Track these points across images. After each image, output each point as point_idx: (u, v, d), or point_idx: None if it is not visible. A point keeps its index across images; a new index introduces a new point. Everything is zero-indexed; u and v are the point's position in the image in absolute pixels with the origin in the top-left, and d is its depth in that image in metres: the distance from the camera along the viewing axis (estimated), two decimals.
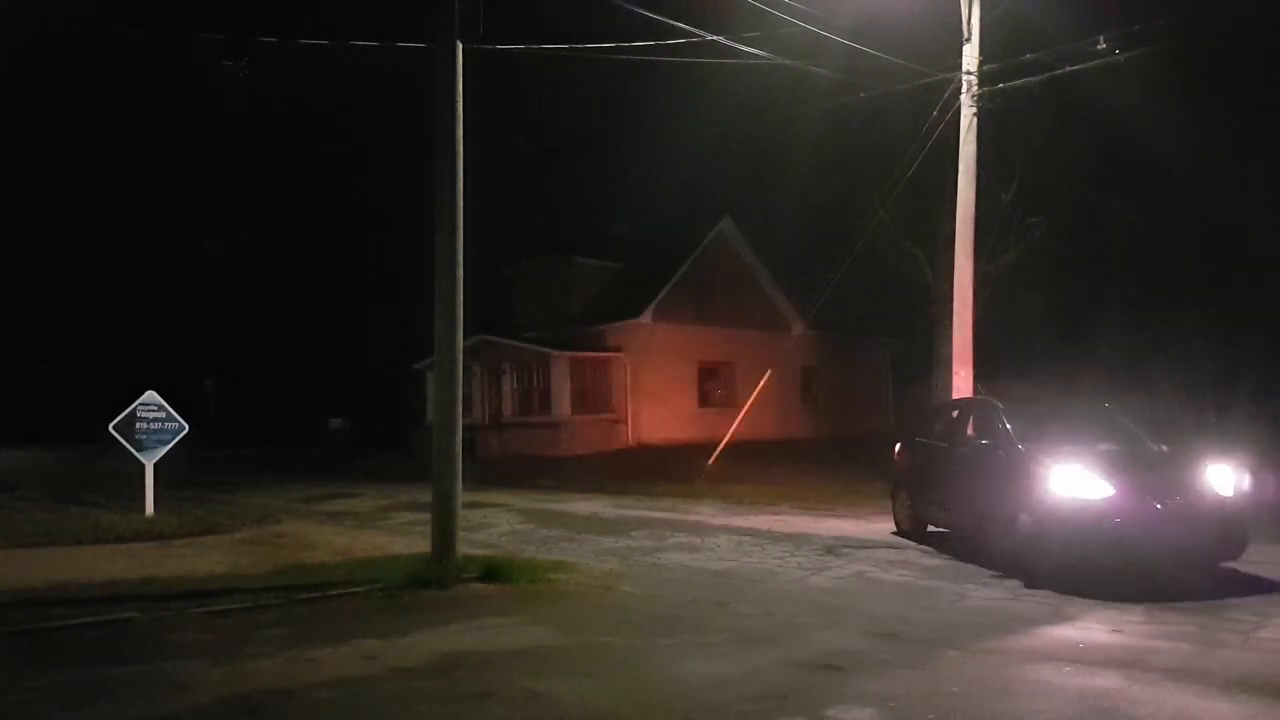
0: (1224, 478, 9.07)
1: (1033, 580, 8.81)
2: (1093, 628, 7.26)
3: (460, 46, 9.49)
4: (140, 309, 47.07)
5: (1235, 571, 9.02)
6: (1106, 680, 5.79)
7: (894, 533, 12.39)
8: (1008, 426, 10.21)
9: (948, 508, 11.20)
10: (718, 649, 6.54)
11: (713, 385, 29.90)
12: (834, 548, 11.37)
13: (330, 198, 45.91)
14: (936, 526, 11.65)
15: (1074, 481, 8.84)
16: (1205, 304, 24.05)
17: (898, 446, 13.15)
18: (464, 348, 9.70)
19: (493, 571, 8.96)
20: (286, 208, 46.97)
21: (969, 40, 14.91)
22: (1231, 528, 8.80)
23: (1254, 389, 21.57)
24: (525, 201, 40.14)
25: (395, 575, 8.84)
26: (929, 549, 11.13)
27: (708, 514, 15.00)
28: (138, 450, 13.44)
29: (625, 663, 6.22)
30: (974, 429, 11.16)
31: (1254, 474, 10.06)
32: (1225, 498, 8.95)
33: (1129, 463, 9.43)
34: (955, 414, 11.99)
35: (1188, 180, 22.49)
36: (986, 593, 8.67)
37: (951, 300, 15.54)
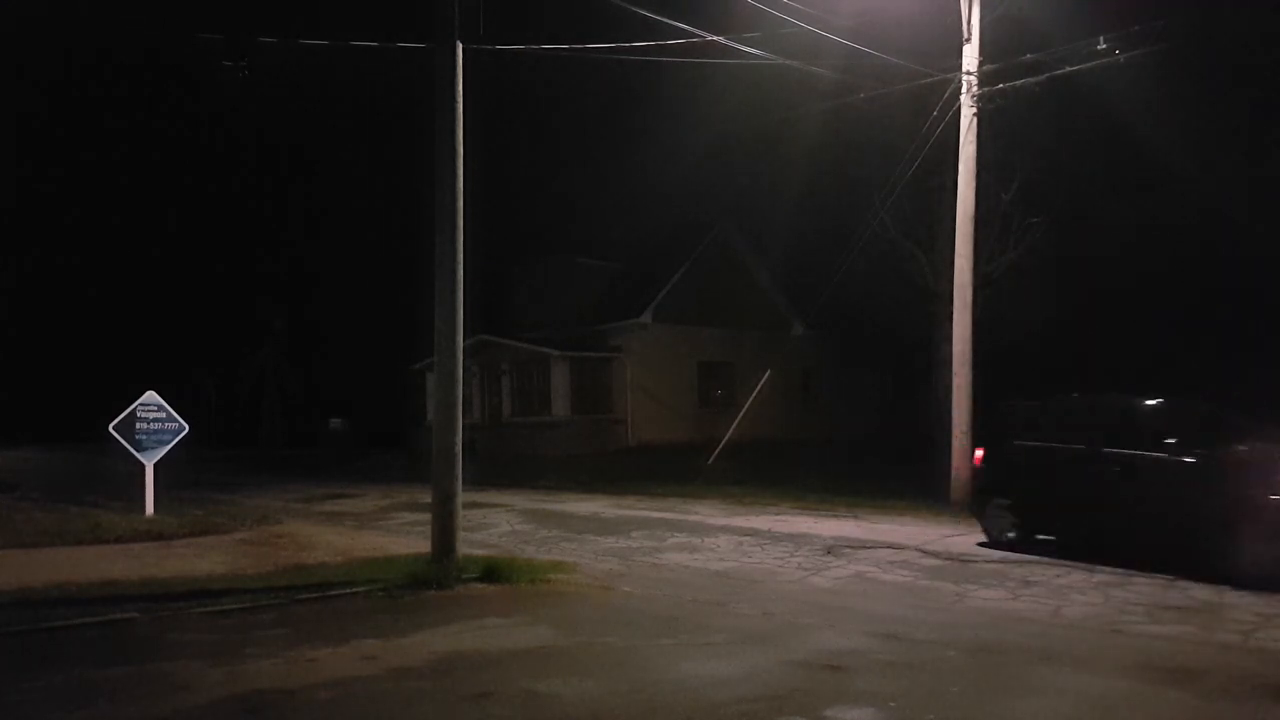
0: None
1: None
2: (1093, 627, 7.27)
3: (460, 46, 9.49)
4: (139, 308, 47.07)
5: None
6: (1107, 680, 5.80)
7: (981, 544, 11.42)
8: (1196, 430, 9.77)
9: (1106, 514, 10.24)
10: (718, 649, 6.54)
11: (713, 385, 29.88)
12: (834, 548, 11.37)
13: (330, 197, 45.99)
14: (1065, 536, 10.82)
15: None
16: (1206, 306, 23.97)
17: (980, 451, 12.30)
18: (464, 348, 9.70)
19: (493, 572, 8.96)
20: (287, 207, 47.03)
21: (969, 40, 14.94)
22: None
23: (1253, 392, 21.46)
24: (525, 201, 40.13)
25: (395, 575, 8.84)
26: (927, 552, 11.14)
27: (708, 514, 15.00)
28: (138, 450, 13.44)
29: (625, 663, 6.22)
30: (1135, 434, 10.24)
31: None
32: None
33: None
34: (1089, 417, 10.91)
35: (1188, 180, 22.47)
36: (986, 593, 8.68)
37: (951, 300, 15.56)
